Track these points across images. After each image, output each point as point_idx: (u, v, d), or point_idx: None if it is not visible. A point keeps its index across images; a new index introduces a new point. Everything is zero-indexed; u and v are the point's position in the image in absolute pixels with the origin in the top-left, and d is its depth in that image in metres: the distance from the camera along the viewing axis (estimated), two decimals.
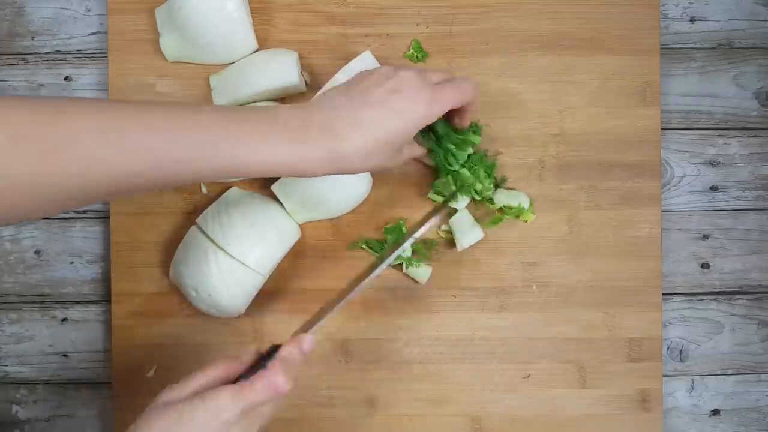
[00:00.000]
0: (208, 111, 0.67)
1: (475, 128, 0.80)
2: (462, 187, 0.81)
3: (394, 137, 0.70)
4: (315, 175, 0.69)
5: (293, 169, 0.68)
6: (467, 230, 0.83)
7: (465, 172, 0.81)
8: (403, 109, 0.71)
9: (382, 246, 0.83)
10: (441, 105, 0.72)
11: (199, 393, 0.65)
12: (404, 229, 0.83)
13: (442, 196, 0.83)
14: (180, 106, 0.67)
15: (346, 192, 0.82)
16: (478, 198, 0.83)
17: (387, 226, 0.83)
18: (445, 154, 0.80)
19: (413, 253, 0.83)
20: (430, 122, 0.72)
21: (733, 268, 0.88)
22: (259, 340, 0.84)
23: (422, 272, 0.83)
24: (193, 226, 0.80)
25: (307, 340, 0.70)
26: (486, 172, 0.82)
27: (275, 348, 0.68)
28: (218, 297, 0.78)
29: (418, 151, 0.78)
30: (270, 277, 0.82)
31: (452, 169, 0.80)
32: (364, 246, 0.84)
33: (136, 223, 0.84)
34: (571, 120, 0.85)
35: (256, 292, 0.80)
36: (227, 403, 0.65)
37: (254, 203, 0.81)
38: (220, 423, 0.65)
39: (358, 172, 0.71)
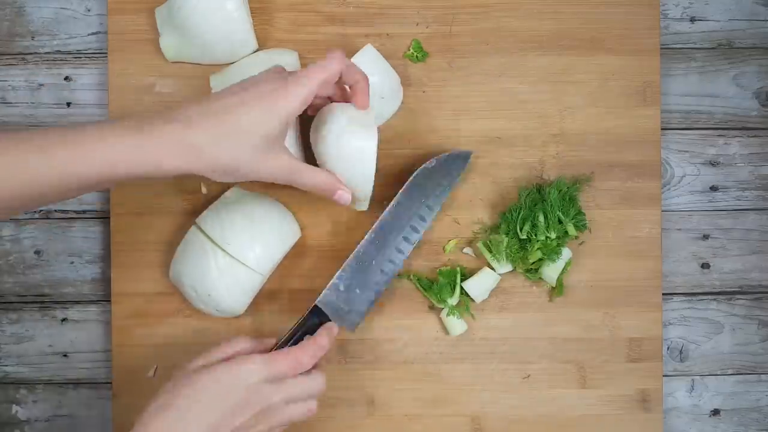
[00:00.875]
0: (73, 127, 0.67)
1: (577, 222, 0.81)
2: (541, 258, 0.82)
3: (249, 127, 0.68)
4: (168, 173, 0.68)
5: (140, 163, 0.66)
6: (482, 290, 0.83)
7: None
8: (257, 99, 0.68)
9: (431, 284, 0.83)
10: (301, 86, 0.69)
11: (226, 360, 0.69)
12: (459, 276, 0.83)
13: (490, 252, 0.83)
14: (62, 127, 0.67)
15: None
16: (526, 269, 0.83)
17: (443, 269, 0.83)
18: (550, 225, 0.80)
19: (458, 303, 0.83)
20: (294, 111, 0.69)
21: (733, 268, 0.88)
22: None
23: (458, 326, 0.83)
24: (192, 226, 0.80)
25: (335, 328, 0.74)
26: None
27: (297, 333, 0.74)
28: (218, 297, 0.78)
29: (318, 177, 0.73)
30: (270, 277, 0.82)
31: (545, 241, 0.81)
32: (412, 279, 0.84)
33: (136, 223, 0.84)
34: (571, 120, 0.85)
35: (256, 292, 0.80)
36: (255, 367, 0.68)
37: (254, 203, 0.81)
38: (246, 387, 0.67)
39: (213, 173, 0.69)
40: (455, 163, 0.82)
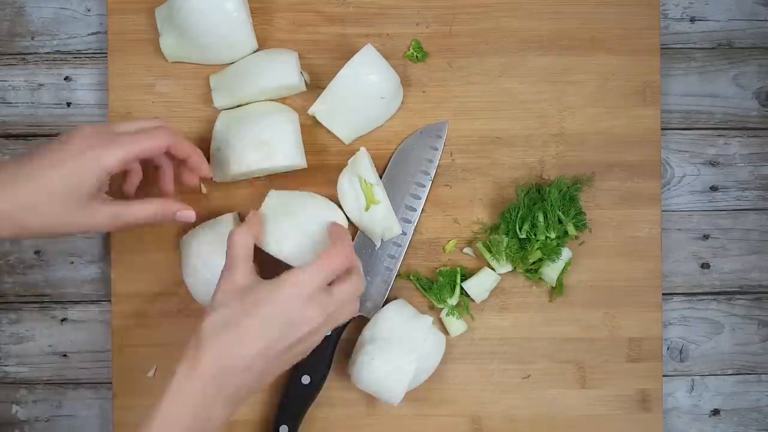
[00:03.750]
0: None
1: (578, 222, 0.81)
2: (543, 258, 0.81)
3: (62, 189, 0.67)
4: None
5: None
6: (481, 290, 0.83)
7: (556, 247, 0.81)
8: (67, 156, 0.68)
9: (431, 284, 0.83)
10: (120, 149, 0.69)
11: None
12: (459, 277, 0.83)
13: (489, 252, 0.83)
14: None
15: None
16: (526, 269, 0.83)
17: (442, 269, 0.83)
18: (550, 225, 0.80)
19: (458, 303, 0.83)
20: (112, 169, 0.69)
21: (733, 268, 0.88)
22: None
23: (458, 326, 0.83)
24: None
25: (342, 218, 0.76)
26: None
27: None
28: None
29: (143, 210, 0.73)
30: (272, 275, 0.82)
31: (545, 241, 0.80)
32: (412, 279, 0.84)
33: None
34: (571, 120, 0.85)
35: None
36: (308, 277, 0.68)
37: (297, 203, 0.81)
38: (303, 298, 0.67)
39: (43, 234, 0.69)
40: (432, 136, 0.84)
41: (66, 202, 0.68)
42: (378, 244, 0.82)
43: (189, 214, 0.75)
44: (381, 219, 0.81)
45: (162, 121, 0.76)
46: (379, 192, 0.80)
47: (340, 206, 0.82)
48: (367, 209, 0.80)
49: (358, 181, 0.80)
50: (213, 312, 0.67)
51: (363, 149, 0.81)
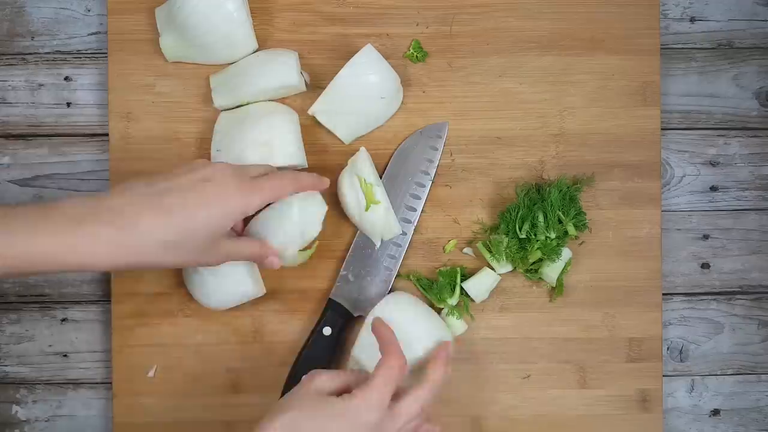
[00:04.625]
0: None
1: (578, 222, 0.81)
2: (542, 258, 0.81)
3: (202, 227, 0.66)
4: (105, 269, 0.66)
5: (73, 261, 0.64)
6: (481, 290, 0.83)
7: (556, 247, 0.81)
8: (214, 197, 0.67)
9: (431, 284, 0.83)
10: (260, 196, 0.69)
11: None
12: (459, 277, 0.83)
13: (489, 252, 0.83)
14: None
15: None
16: (526, 269, 0.83)
17: (442, 269, 0.83)
18: (549, 225, 0.80)
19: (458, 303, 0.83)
20: (247, 215, 0.69)
21: (733, 268, 0.88)
22: (259, 340, 0.84)
23: (458, 326, 0.83)
24: None
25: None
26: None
27: None
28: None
29: (248, 249, 0.73)
30: (270, 276, 0.82)
31: (545, 240, 0.80)
32: (412, 279, 0.84)
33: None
34: (571, 120, 0.85)
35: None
36: (374, 404, 0.65)
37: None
38: (366, 424, 0.65)
39: (163, 267, 0.68)
40: (432, 136, 0.84)
41: (204, 242, 0.68)
42: (378, 243, 0.82)
43: (276, 261, 0.75)
44: (381, 219, 0.81)
45: (272, 166, 0.76)
46: (379, 192, 0.80)
47: (339, 206, 0.82)
48: (367, 209, 0.80)
49: (358, 181, 0.80)
50: (286, 408, 0.65)
51: (363, 149, 0.81)
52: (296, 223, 0.77)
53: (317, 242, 0.80)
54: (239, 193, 0.68)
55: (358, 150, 0.81)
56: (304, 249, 0.79)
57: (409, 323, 0.77)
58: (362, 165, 0.80)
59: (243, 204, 0.69)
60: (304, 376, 0.68)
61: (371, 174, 0.80)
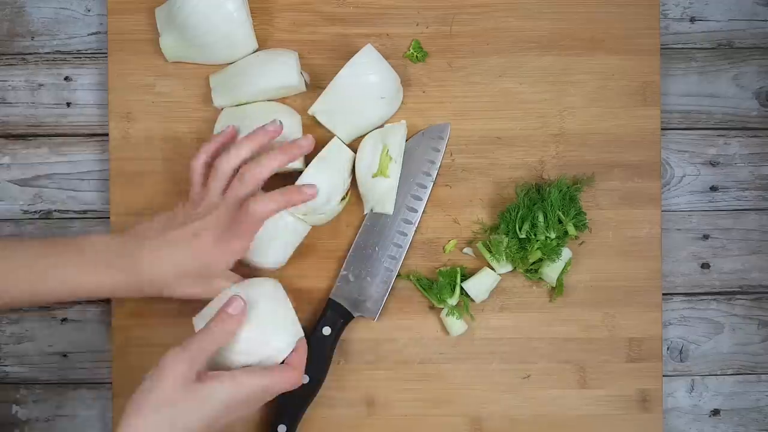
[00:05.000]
0: (24, 243, 0.75)
1: (578, 222, 0.81)
2: (542, 258, 0.81)
3: (209, 267, 0.74)
4: (128, 297, 0.75)
5: (100, 292, 0.74)
6: (481, 290, 0.83)
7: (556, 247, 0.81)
8: (210, 246, 0.74)
9: (431, 284, 0.83)
10: (249, 239, 0.74)
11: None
12: (459, 277, 0.83)
13: (489, 252, 0.83)
14: (9, 241, 0.76)
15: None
16: (526, 269, 0.83)
17: (442, 269, 0.83)
18: (549, 225, 0.80)
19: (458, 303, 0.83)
20: (242, 256, 0.75)
21: (733, 268, 0.88)
22: None
23: (458, 326, 0.83)
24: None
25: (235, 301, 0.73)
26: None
27: None
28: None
29: (228, 281, 0.76)
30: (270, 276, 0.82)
31: (545, 240, 0.80)
32: (412, 279, 0.84)
33: (135, 224, 0.84)
34: (571, 120, 0.85)
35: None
36: (259, 390, 0.71)
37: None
38: (242, 401, 0.71)
39: (179, 296, 0.75)
40: (434, 137, 0.84)
41: (200, 272, 0.75)
42: (367, 211, 0.82)
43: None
44: (380, 192, 0.80)
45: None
46: (394, 169, 0.80)
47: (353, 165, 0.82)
48: (374, 176, 0.80)
49: (381, 148, 0.80)
50: (151, 392, 0.70)
51: (404, 123, 0.82)
52: (340, 170, 0.79)
53: (350, 191, 0.82)
54: (230, 243, 0.74)
55: (399, 121, 0.82)
56: (342, 199, 0.81)
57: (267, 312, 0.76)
58: (393, 138, 0.80)
59: (227, 261, 0.75)
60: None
61: (396, 149, 0.80)
